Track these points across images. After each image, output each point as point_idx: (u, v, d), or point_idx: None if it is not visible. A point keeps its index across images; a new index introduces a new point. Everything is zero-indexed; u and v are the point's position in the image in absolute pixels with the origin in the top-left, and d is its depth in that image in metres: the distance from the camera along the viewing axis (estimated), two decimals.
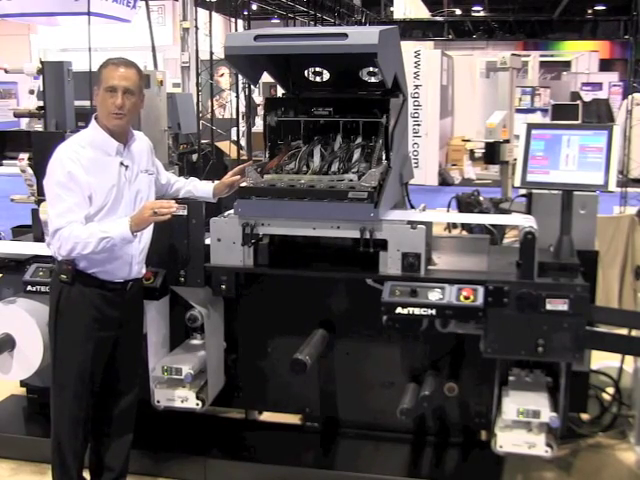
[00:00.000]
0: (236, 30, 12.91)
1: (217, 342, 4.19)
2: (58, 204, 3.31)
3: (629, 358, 4.65)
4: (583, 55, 31.01)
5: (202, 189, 3.99)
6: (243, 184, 3.88)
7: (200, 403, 4.03)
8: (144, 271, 3.67)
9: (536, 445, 3.59)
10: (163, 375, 4.01)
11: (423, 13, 24.76)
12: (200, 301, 4.05)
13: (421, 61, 15.49)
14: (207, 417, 4.38)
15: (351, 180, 3.73)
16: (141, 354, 3.87)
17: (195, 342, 4.26)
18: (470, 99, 18.43)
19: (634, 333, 4.21)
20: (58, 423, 3.56)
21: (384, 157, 3.87)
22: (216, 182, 4.00)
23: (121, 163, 3.45)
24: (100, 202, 3.36)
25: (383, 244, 3.70)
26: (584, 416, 4.65)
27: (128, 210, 3.43)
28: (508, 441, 3.63)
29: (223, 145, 12.39)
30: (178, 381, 4.02)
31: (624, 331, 4.24)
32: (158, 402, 4.05)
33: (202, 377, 4.08)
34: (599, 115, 18.09)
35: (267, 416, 4.66)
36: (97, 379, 3.56)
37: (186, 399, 4.04)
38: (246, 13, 15.88)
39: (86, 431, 3.61)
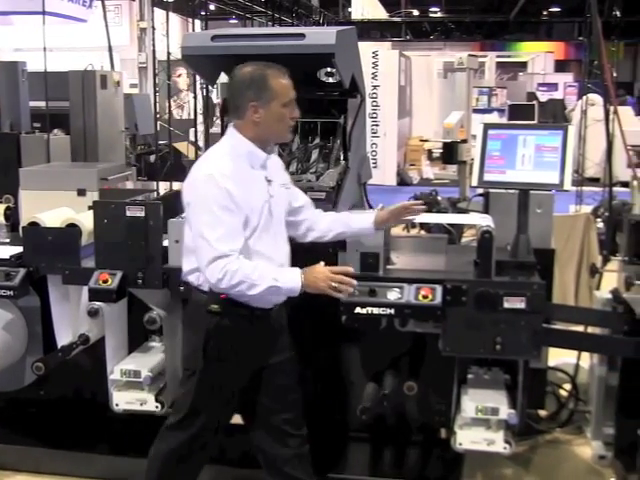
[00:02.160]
0: (194, 30, 12.86)
1: (176, 344, 4.15)
2: (217, 226, 2.99)
3: (585, 354, 4.71)
4: (539, 56, 31.39)
5: (359, 226, 3.51)
6: None
7: (159, 406, 4.00)
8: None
9: (495, 442, 3.61)
10: (121, 378, 3.96)
11: (381, 14, 24.83)
12: (158, 303, 4.02)
13: (379, 61, 15.52)
14: (165, 420, 4.34)
15: (309, 180, 3.74)
16: (296, 386, 3.48)
17: (154, 344, 4.22)
18: (428, 99, 18.55)
19: (590, 330, 4.27)
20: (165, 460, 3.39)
21: (342, 157, 3.88)
22: (378, 212, 3.56)
23: (265, 177, 3.19)
24: (255, 220, 3.09)
25: (342, 244, 3.71)
26: (542, 412, 4.71)
27: (277, 228, 3.21)
28: (467, 439, 3.65)
29: (181, 146, 12.35)
30: (137, 384, 3.97)
31: (580, 328, 4.30)
32: (116, 405, 4.00)
33: (161, 379, 4.05)
34: (555, 115, 18.31)
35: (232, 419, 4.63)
36: (235, 410, 3.41)
37: (145, 402, 3.99)
38: (204, 13, 15.81)
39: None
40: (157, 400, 3.99)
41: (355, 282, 3.05)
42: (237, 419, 3.58)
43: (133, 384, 3.98)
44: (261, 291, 3.00)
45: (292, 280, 3.02)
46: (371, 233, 3.54)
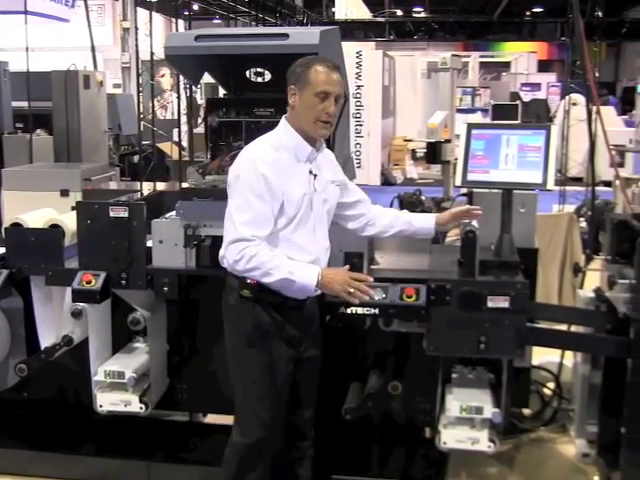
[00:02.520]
0: (177, 30, 12.83)
1: (160, 345, 4.15)
2: (246, 211, 3.05)
3: (569, 353, 4.74)
4: (522, 56, 31.52)
5: (421, 225, 3.57)
6: (184, 185, 3.85)
7: (143, 407, 3.99)
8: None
9: (479, 441, 3.63)
10: (105, 379, 3.95)
11: (364, 14, 24.85)
12: (142, 304, 4.01)
13: (363, 61, 15.54)
14: (151, 421, 4.34)
15: None
16: (317, 384, 3.55)
17: (138, 345, 4.21)
18: (412, 99, 18.59)
19: (573, 329, 4.29)
20: (244, 454, 3.35)
21: None
22: (438, 214, 3.64)
23: (310, 171, 3.20)
24: (292, 212, 3.12)
25: None
26: (526, 411, 4.73)
27: (317, 222, 3.22)
28: (452, 438, 3.66)
29: (165, 146, 12.32)
30: (121, 385, 3.96)
31: (564, 327, 4.31)
32: (100, 407, 3.99)
33: (145, 380, 4.04)
34: (538, 115, 18.37)
35: (212, 418, 4.64)
36: (287, 401, 3.34)
37: (129, 403, 3.98)
38: (187, 13, 15.77)
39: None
40: (141, 401, 3.98)
41: (372, 292, 3.12)
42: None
43: (117, 385, 3.97)
44: (275, 281, 3.05)
45: (308, 277, 3.06)
46: (431, 234, 3.62)
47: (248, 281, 3.14)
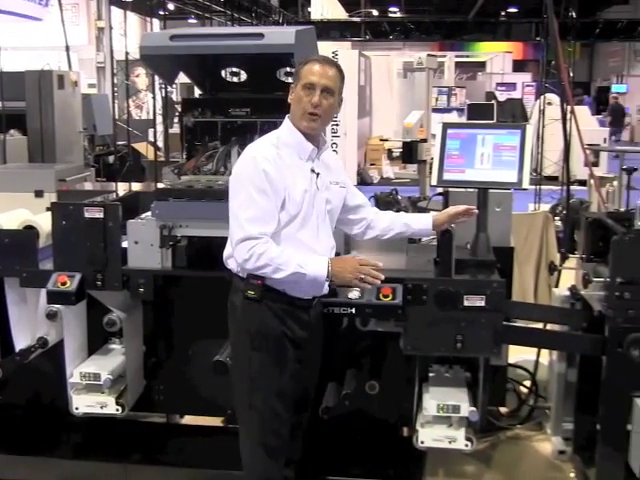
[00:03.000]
0: (152, 30, 12.77)
1: (136, 346, 4.13)
2: (250, 207, 3.04)
3: (545, 351, 4.76)
4: (497, 56, 31.70)
5: (419, 225, 3.55)
6: (160, 185, 3.83)
7: (120, 408, 3.96)
8: (328, 288, 3.31)
9: (456, 439, 3.63)
10: (81, 381, 3.92)
11: (340, 14, 24.88)
12: (118, 305, 3.99)
13: (339, 61, 15.50)
14: (127, 422, 4.32)
15: None
16: (318, 375, 3.56)
17: (114, 347, 4.19)
18: (388, 99, 18.63)
19: (549, 327, 4.32)
20: (258, 454, 3.31)
21: None
22: (435, 213, 3.63)
23: (312, 170, 3.19)
24: (294, 209, 3.10)
25: None
26: (503, 409, 4.75)
27: (320, 221, 3.21)
28: (429, 436, 3.67)
29: (140, 146, 12.26)
30: (97, 387, 3.93)
31: (540, 325, 4.34)
32: (76, 409, 3.96)
33: (121, 382, 4.02)
34: (513, 114, 18.48)
35: (189, 419, 4.62)
36: (292, 403, 3.31)
37: (105, 405, 3.95)
38: (162, 13, 15.70)
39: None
40: (118, 403, 3.96)
41: (383, 277, 3.11)
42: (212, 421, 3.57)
43: (93, 387, 3.94)
44: (286, 275, 3.04)
45: (318, 268, 3.06)
46: (429, 234, 3.64)
47: (253, 281, 3.13)
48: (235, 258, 3.12)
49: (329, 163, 3.33)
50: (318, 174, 3.21)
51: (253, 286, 3.13)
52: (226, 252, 3.23)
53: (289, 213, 3.11)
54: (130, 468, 4.09)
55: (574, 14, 11.55)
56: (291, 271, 3.02)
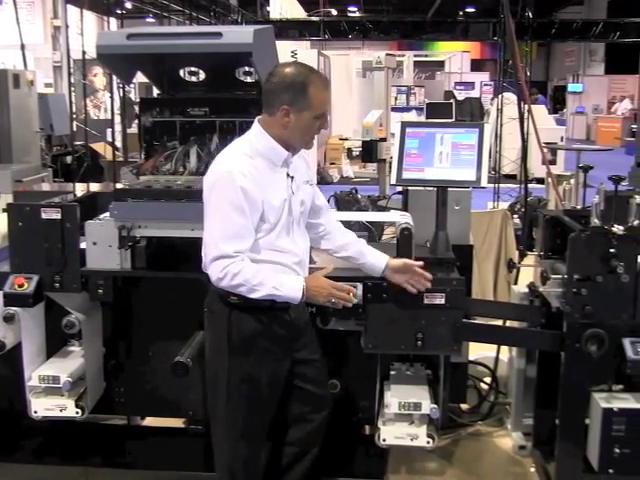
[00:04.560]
0: (109, 29, 12.65)
1: (96, 348, 4.09)
2: (226, 226, 2.97)
3: (504, 348, 4.81)
4: (455, 55, 31.96)
5: (372, 261, 3.47)
6: (118, 186, 3.80)
7: (80, 411, 3.92)
8: None
9: (418, 437, 3.65)
10: (40, 384, 3.87)
11: (299, 13, 24.85)
12: (77, 306, 3.94)
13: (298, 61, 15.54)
14: (88, 425, 4.27)
15: None
16: (324, 374, 3.57)
17: (73, 349, 4.13)
18: (347, 98, 18.65)
19: (508, 324, 4.36)
20: (231, 461, 3.27)
21: None
22: (390, 258, 3.50)
23: (287, 174, 3.15)
24: (273, 219, 3.06)
25: None
26: (464, 406, 4.79)
27: (296, 224, 3.18)
28: (391, 434, 3.68)
29: (98, 147, 12.14)
30: (56, 390, 3.88)
31: (499, 322, 4.39)
32: (35, 413, 3.90)
33: (81, 384, 3.97)
34: (472, 113, 18.64)
35: (150, 421, 4.59)
36: (274, 407, 3.29)
37: (65, 408, 3.90)
38: (119, 11, 15.58)
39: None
40: (77, 406, 3.91)
41: (355, 300, 3.17)
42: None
43: (52, 390, 3.89)
44: (261, 296, 3.01)
45: (293, 290, 3.04)
46: (378, 273, 3.50)
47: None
48: (210, 275, 3.06)
49: (299, 161, 3.30)
50: (292, 177, 3.18)
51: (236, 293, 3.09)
52: (204, 259, 3.15)
53: (269, 222, 3.06)
54: (91, 471, 4.06)
55: (530, 14, 11.70)
56: (266, 292, 3.00)
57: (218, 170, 3.05)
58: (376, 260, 3.48)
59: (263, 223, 3.05)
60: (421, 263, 3.51)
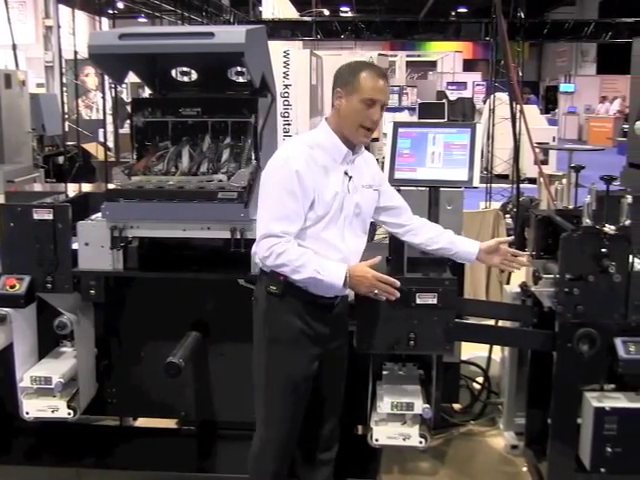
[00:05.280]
0: (101, 29, 12.62)
1: (88, 349, 4.08)
2: (277, 206, 3.05)
3: (497, 348, 4.82)
4: (448, 55, 32.00)
5: (464, 248, 3.54)
6: (110, 186, 3.79)
7: (72, 412, 3.92)
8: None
9: (411, 437, 3.65)
10: (32, 385, 3.87)
11: (291, 13, 24.84)
12: (69, 307, 3.94)
13: (290, 61, 15.45)
14: (80, 426, 4.26)
15: (220, 180, 3.71)
16: (345, 373, 3.54)
17: (65, 350, 4.13)
18: None
19: (501, 323, 4.37)
20: (267, 447, 3.32)
21: (253, 157, 3.87)
22: (483, 243, 3.58)
23: (345, 172, 3.19)
24: (323, 210, 3.10)
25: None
26: (456, 406, 4.79)
27: (347, 223, 3.20)
28: (383, 434, 3.68)
29: (90, 147, 12.12)
30: (48, 391, 3.88)
31: (491, 322, 4.39)
32: (27, 414, 3.90)
33: (73, 385, 3.97)
34: (464, 113, 18.65)
35: (142, 422, 4.58)
36: (306, 400, 3.31)
37: (57, 409, 3.91)
38: (111, 11, 15.54)
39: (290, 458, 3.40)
40: (69, 406, 3.92)
41: (398, 294, 3.16)
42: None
43: (44, 391, 3.89)
44: (303, 278, 3.06)
45: (335, 276, 3.08)
46: (472, 260, 3.59)
47: (276, 277, 3.14)
48: (257, 254, 3.14)
49: (363, 166, 3.32)
50: (351, 177, 3.21)
51: (275, 281, 3.15)
52: (254, 247, 3.24)
53: (316, 213, 3.11)
54: (83, 472, 4.04)
55: (522, 14, 11.71)
56: (308, 275, 3.05)
57: (277, 156, 3.16)
58: (469, 247, 3.56)
59: (312, 212, 3.10)
60: (511, 238, 3.60)
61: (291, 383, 3.23)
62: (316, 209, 3.11)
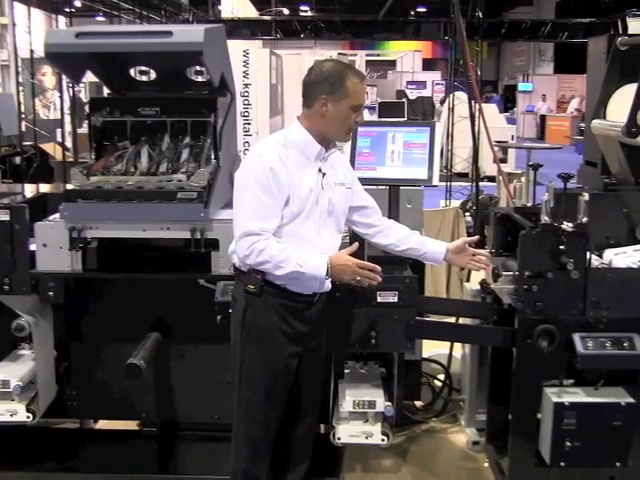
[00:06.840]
0: (57, 27, 12.48)
1: (47, 351, 4.03)
2: (253, 203, 3.05)
3: (458, 345, 4.85)
4: (407, 55, 32.13)
5: (433, 248, 3.53)
6: (69, 187, 3.75)
7: (31, 416, 3.87)
8: (330, 285, 3.33)
9: (373, 435, 3.67)
10: None
11: (251, 12, 24.79)
12: (27, 309, 3.89)
13: (250, 60, 15.43)
14: (39, 430, 4.22)
15: (180, 180, 3.69)
16: (323, 372, 3.56)
17: (23, 352, 4.08)
18: (299, 98, 18.36)
19: (461, 321, 4.40)
20: (242, 446, 3.31)
21: (213, 156, 3.86)
22: (451, 244, 3.57)
23: (319, 170, 3.20)
24: (298, 206, 3.11)
25: (214, 244, 3.68)
26: (418, 403, 4.82)
27: (322, 220, 3.21)
28: (346, 433, 3.70)
29: (48, 147, 11.96)
30: (6, 394, 3.83)
31: (452, 319, 4.42)
32: None
33: (32, 388, 3.92)
34: (424, 112, 18.74)
35: (103, 424, 4.54)
36: (284, 400, 3.31)
37: (15, 413, 3.85)
38: (68, 10, 15.34)
39: (268, 458, 3.36)
40: (28, 410, 3.87)
41: (380, 279, 3.15)
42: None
43: (2, 395, 3.84)
44: (285, 273, 3.06)
45: (317, 268, 3.08)
46: (440, 261, 3.58)
47: (254, 275, 3.14)
48: (237, 253, 3.13)
49: (336, 164, 3.33)
50: (324, 174, 3.22)
51: (253, 280, 3.14)
52: (231, 247, 3.24)
53: (292, 210, 3.12)
54: (43, 477, 4.00)
55: (481, 14, 11.79)
56: (290, 269, 3.05)
57: (250, 154, 3.16)
58: (437, 247, 3.55)
59: (287, 208, 3.11)
60: (477, 238, 3.62)
61: (270, 382, 3.23)
62: (291, 205, 3.11)
